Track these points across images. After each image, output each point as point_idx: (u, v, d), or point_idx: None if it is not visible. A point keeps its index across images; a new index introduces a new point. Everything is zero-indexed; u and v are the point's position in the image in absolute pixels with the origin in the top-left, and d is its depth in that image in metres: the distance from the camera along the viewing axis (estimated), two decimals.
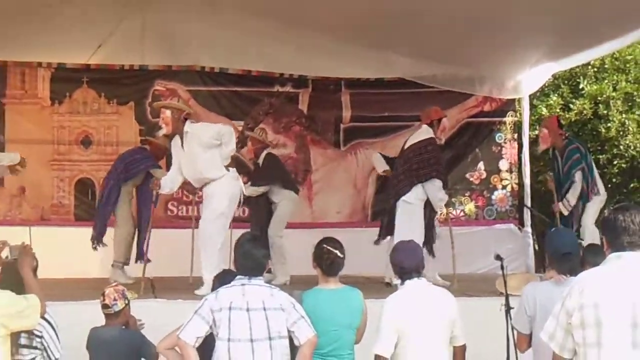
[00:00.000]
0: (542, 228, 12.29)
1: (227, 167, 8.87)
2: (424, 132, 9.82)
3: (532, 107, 13.32)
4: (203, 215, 8.93)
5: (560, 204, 10.05)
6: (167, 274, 9.78)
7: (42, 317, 5.00)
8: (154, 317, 6.54)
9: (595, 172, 10.35)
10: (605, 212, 4.04)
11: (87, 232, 10.24)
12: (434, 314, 5.12)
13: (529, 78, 12.28)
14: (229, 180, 8.86)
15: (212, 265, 8.26)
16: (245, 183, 11.32)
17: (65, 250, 10.42)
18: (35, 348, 5.13)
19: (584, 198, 10.05)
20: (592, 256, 5.49)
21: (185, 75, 12.39)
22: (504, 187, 12.91)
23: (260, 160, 10.51)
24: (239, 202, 9.11)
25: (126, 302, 6.02)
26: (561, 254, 5.32)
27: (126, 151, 10.83)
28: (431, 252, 9.66)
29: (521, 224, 12.71)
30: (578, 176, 9.88)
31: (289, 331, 4.88)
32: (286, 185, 10.57)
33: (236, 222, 9.53)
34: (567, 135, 10.55)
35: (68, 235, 11.18)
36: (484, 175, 12.91)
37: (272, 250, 9.57)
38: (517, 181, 12.89)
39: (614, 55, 13.62)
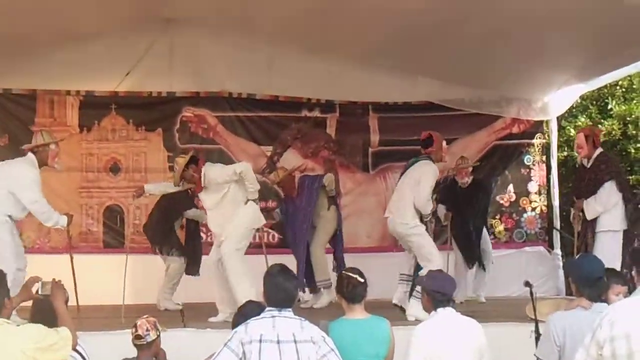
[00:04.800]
0: (572, 250, 12.22)
1: None
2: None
3: (561, 128, 13.28)
4: None
5: None
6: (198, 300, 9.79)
7: (74, 349, 5.01)
8: (183, 348, 6.54)
9: None
10: (636, 243, 4.01)
11: (116, 259, 10.18)
12: (462, 343, 5.12)
13: (556, 99, 12.24)
14: None
15: None
16: (274, 209, 11.39)
17: (94, 278, 10.31)
18: None
19: None
20: (615, 278, 5.64)
21: (212, 101, 12.42)
22: (533, 209, 12.84)
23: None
24: None
25: (158, 333, 6.02)
26: (594, 279, 5.27)
27: None
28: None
29: (550, 246, 12.64)
30: None
31: None
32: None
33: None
34: None
35: (97, 263, 11.14)
36: (514, 197, 12.85)
37: None
38: (546, 203, 12.81)
39: None
